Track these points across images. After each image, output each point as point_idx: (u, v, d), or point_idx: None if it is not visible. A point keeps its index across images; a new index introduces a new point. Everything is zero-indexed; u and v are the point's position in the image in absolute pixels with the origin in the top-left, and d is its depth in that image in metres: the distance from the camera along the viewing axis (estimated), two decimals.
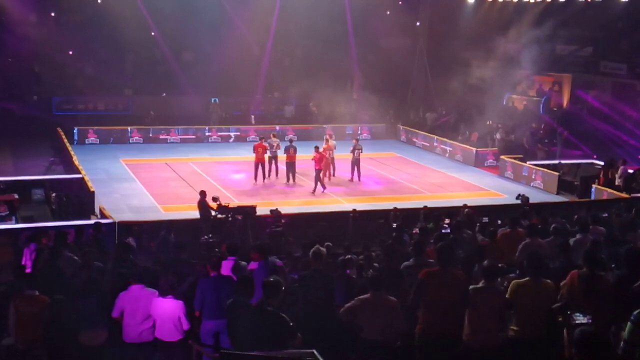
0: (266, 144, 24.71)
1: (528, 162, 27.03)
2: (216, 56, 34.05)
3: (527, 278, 7.56)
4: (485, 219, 14.34)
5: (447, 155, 31.42)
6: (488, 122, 32.38)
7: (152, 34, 35.69)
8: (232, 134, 33.42)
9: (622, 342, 5.43)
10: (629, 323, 5.40)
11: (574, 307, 6.97)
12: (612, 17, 31.73)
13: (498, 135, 30.74)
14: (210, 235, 15.30)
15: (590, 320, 6.70)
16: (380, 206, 20.21)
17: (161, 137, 32.14)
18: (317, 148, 24.07)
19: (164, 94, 35.41)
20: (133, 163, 27.55)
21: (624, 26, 32.91)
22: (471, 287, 7.46)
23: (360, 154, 25.58)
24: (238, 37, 34.97)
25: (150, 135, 32.13)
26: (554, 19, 31.32)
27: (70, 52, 35.02)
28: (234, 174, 26.26)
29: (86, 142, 30.91)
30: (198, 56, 35.72)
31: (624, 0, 29.21)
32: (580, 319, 6.75)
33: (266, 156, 24.68)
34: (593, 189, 23.14)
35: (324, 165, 24.06)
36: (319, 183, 23.64)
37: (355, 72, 37.90)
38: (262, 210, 17.79)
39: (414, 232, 13.60)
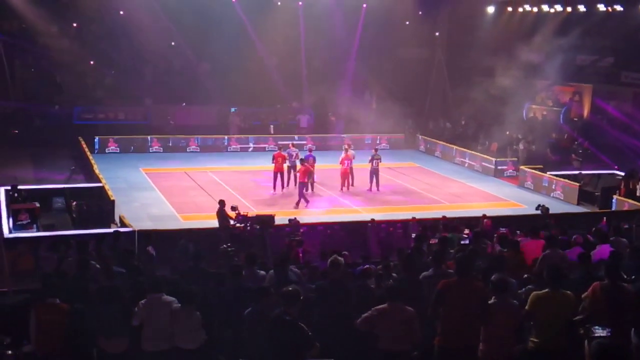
0: (285, 154, 24.75)
1: (548, 173, 26.86)
2: (235, 66, 34.21)
3: (546, 289, 7.50)
4: (503, 230, 14.23)
5: (466, 165, 31.30)
6: (507, 132, 32.23)
7: (172, 43, 35.94)
8: (251, 144, 33.53)
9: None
10: None
11: (594, 319, 6.90)
12: (633, 27, 31.48)
13: (521, 146, 30.54)
14: (229, 244, 15.32)
15: (610, 333, 6.64)
16: (399, 216, 20.16)
17: (181, 146, 32.32)
18: (302, 161, 23.83)
19: (184, 104, 35.62)
20: (153, 172, 27.72)
21: None
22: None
23: (379, 163, 25.56)
24: (256, 47, 35.14)
25: (170, 144, 32.33)
26: (575, 29, 31.17)
27: (91, 62, 35.37)
28: (260, 184, 26.35)
29: (106, 151, 31.14)
30: (217, 66, 35.91)
31: None
32: (599, 331, 6.70)
33: (285, 165, 24.72)
34: (614, 200, 22.94)
35: (307, 177, 23.65)
36: (302, 197, 23.14)
37: (373, 82, 37.91)
38: (281, 219, 17.81)
39: (431, 242, 13.57)
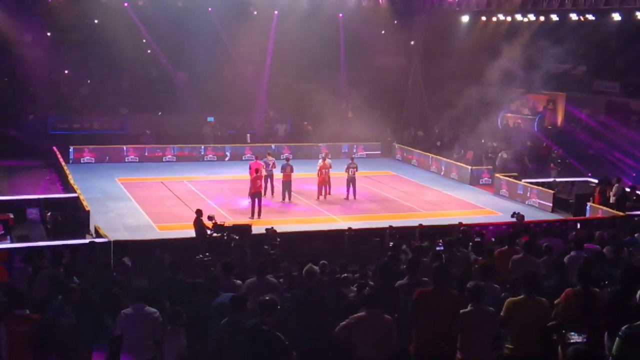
0: (262, 163, 24.73)
1: (523, 180, 27.12)
2: (212, 75, 34.15)
3: (522, 296, 7.58)
4: (478, 239, 14.32)
5: (442, 173, 31.49)
6: (482, 141, 32.49)
7: (148, 52, 35.79)
8: (227, 153, 33.47)
9: (610, 358, 5.40)
10: (617, 338, 5.37)
11: (568, 325, 6.98)
12: (605, 36, 31.95)
13: (505, 155, 30.72)
14: (206, 254, 15.28)
15: (585, 339, 6.71)
16: (376, 224, 20.22)
17: (157, 155, 32.16)
18: (257, 171, 23.42)
19: (160, 113, 35.47)
20: (128, 182, 27.56)
21: (617, 45, 33.14)
22: (460, 312, 7.46)
23: (356, 172, 25.66)
24: (233, 56, 35.12)
25: (146, 154, 32.18)
26: (548, 38, 31.54)
27: (66, 72, 35.12)
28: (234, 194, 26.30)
29: (82, 161, 30.93)
30: (194, 75, 35.82)
31: (616, 19, 29.43)
32: (574, 337, 6.77)
33: (262, 174, 24.62)
34: (588, 207, 23.20)
35: (259, 187, 23.16)
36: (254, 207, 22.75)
37: (350, 91, 38.05)
38: (258, 229, 17.81)
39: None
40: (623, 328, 5.31)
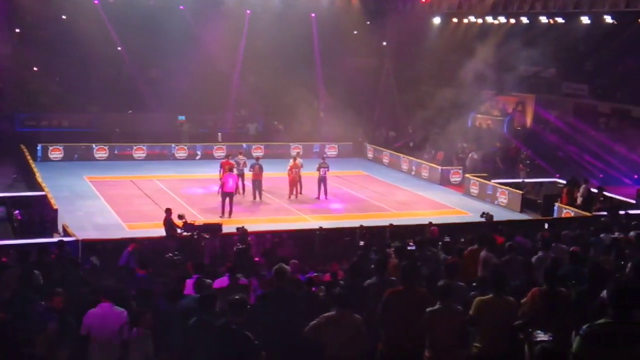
0: (233, 162, 24.66)
1: (492, 181, 27.37)
2: (183, 73, 33.96)
3: (490, 295, 7.64)
4: (447, 238, 14.43)
5: (413, 173, 31.65)
6: (454, 141, 32.71)
7: (119, 48, 35.46)
8: (198, 152, 33.31)
9: (570, 356, 5.43)
10: (577, 337, 5.40)
11: (534, 324, 7.05)
12: (574, 39, 32.35)
13: (474, 155, 30.99)
14: (175, 253, 15.19)
15: (551, 338, 6.78)
16: (347, 224, 20.26)
17: (127, 154, 31.88)
18: (228, 169, 23.42)
19: (130, 111, 35.18)
20: (98, 180, 27.29)
21: (586, 48, 33.59)
22: (427, 309, 7.52)
23: (327, 172, 25.69)
24: (205, 55, 34.96)
25: (116, 152, 31.89)
26: (518, 40, 31.87)
27: (35, 69, 34.68)
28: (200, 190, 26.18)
29: (50, 159, 30.55)
30: (165, 73, 35.60)
31: (585, 23, 29.82)
32: (541, 336, 6.83)
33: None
34: (556, 207, 23.48)
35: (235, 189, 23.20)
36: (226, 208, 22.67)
37: (322, 91, 38.10)
38: (229, 228, 17.75)
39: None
40: (584, 326, 5.35)
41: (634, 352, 4.91)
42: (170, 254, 14.86)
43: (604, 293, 6.81)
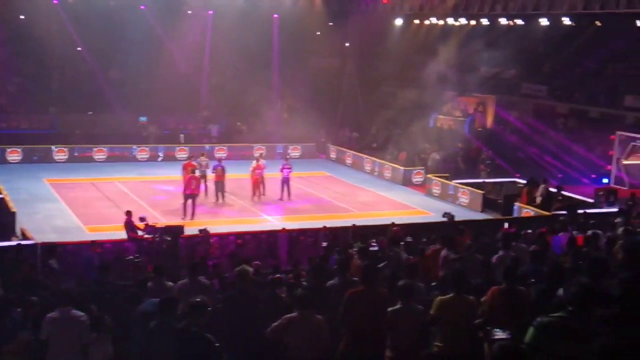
0: (195, 163, 24.49)
1: (454, 181, 27.61)
2: (145, 74, 33.64)
3: (450, 294, 7.70)
4: (409, 238, 14.51)
5: (376, 174, 31.78)
6: (416, 142, 32.92)
7: (79, 49, 34.97)
8: (160, 153, 33.01)
9: (523, 345, 5.53)
10: (531, 327, 5.53)
11: (494, 323, 7.13)
12: (533, 41, 32.82)
13: (436, 156, 31.23)
14: (136, 255, 15.03)
15: (510, 336, 6.86)
16: (310, 225, 20.25)
17: (87, 155, 31.46)
18: (191, 171, 23.16)
19: (90, 112, 34.72)
20: (57, 183, 26.89)
21: (545, 49, 34.10)
22: (388, 309, 7.55)
23: (290, 173, 25.67)
24: (167, 55, 34.69)
25: (76, 154, 31.44)
26: (479, 42, 32.22)
27: None
28: (160, 193, 25.95)
29: (8, 161, 30.01)
30: (126, 73, 35.23)
31: (544, 25, 30.26)
32: (499, 334, 6.90)
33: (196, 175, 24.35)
34: (515, 207, 23.77)
35: (195, 188, 22.76)
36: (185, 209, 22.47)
37: (285, 92, 38.06)
38: (191, 230, 17.64)
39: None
40: (538, 319, 5.46)
41: (587, 348, 5.00)
42: (131, 257, 14.70)
43: (561, 291, 6.94)
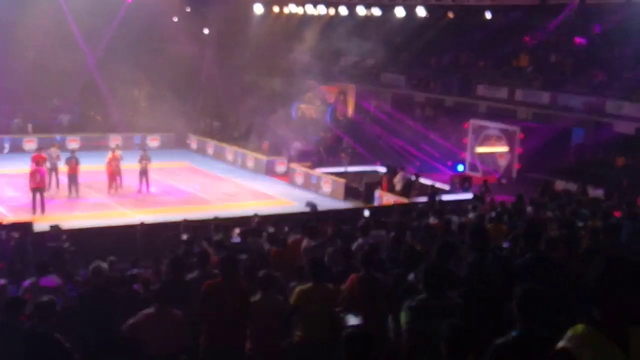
0: (45, 155, 23.21)
1: (316, 170, 27.85)
2: None
3: (310, 284, 7.68)
4: (272, 229, 14.43)
5: (238, 164, 31.52)
6: (278, 131, 32.97)
7: None
8: (6, 145, 31.12)
9: (401, 330, 5.79)
10: (404, 311, 5.81)
11: (353, 310, 7.17)
12: (390, 31, 33.66)
13: (299, 145, 31.34)
14: None
15: (362, 321, 6.91)
16: (170, 218, 19.74)
17: None
18: (38, 163, 22.09)
19: None
20: None
21: (402, 39, 35.07)
22: (250, 300, 7.48)
23: (149, 164, 24.92)
24: (11, 41, 32.64)
25: None
26: (338, 31, 32.65)
27: None
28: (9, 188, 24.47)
29: None
30: None
31: (400, 17, 31.10)
32: (352, 320, 6.95)
33: (46, 167, 23.11)
34: (376, 195, 24.31)
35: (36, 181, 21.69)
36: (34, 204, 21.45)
37: (142, 79, 36.90)
38: (42, 226, 16.70)
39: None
40: (408, 302, 5.82)
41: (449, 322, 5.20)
42: None
43: (412, 276, 7.17)
